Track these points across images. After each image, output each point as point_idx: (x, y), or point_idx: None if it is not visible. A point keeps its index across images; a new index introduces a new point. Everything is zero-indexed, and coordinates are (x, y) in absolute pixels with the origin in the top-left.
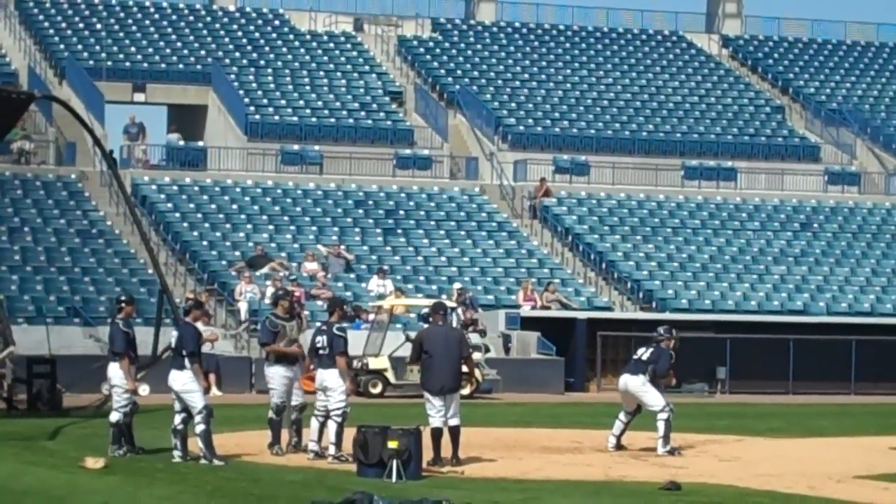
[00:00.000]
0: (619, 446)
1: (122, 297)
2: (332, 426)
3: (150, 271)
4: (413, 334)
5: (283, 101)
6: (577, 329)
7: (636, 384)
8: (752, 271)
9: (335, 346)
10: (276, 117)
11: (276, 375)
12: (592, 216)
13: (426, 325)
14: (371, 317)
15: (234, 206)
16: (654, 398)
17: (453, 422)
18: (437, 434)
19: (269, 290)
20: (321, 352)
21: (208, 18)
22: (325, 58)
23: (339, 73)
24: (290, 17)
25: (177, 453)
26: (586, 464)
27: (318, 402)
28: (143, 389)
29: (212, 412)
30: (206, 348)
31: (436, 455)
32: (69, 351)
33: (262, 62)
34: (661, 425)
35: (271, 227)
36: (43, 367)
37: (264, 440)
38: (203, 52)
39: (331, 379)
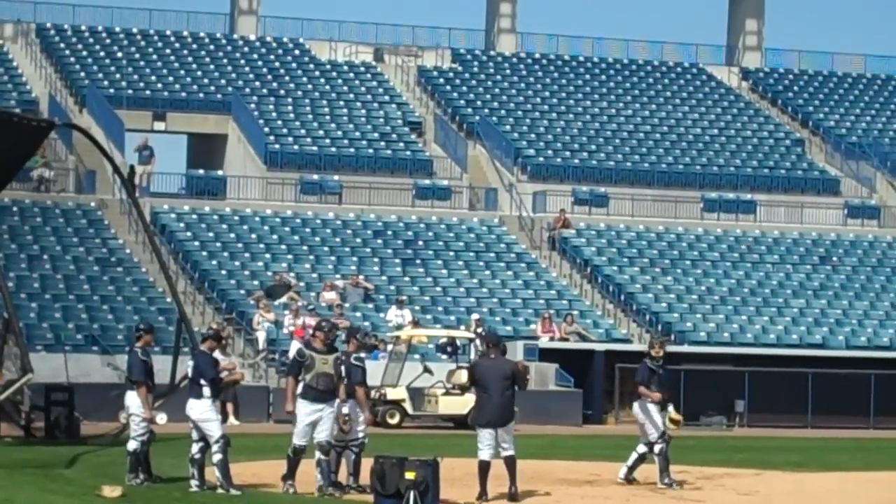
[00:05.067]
0: (629, 479)
1: (141, 326)
2: (349, 456)
3: (169, 300)
4: (431, 365)
5: (303, 131)
6: (596, 361)
7: (636, 410)
8: (770, 304)
9: (353, 377)
10: (296, 147)
11: (300, 412)
12: (611, 248)
13: (479, 357)
14: (389, 347)
15: (253, 236)
16: (648, 431)
17: (508, 452)
18: (484, 467)
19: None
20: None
21: (229, 48)
22: (345, 88)
23: (358, 103)
24: (310, 46)
25: (194, 482)
26: (604, 496)
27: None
28: (161, 418)
29: (229, 441)
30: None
31: (482, 489)
32: (87, 379)
33: (282, 92)
34: (658, 460)
35: (290, 256)
36: (61, 395)
37: (281, 469)
38: (223, 82)
39: (349, 409)
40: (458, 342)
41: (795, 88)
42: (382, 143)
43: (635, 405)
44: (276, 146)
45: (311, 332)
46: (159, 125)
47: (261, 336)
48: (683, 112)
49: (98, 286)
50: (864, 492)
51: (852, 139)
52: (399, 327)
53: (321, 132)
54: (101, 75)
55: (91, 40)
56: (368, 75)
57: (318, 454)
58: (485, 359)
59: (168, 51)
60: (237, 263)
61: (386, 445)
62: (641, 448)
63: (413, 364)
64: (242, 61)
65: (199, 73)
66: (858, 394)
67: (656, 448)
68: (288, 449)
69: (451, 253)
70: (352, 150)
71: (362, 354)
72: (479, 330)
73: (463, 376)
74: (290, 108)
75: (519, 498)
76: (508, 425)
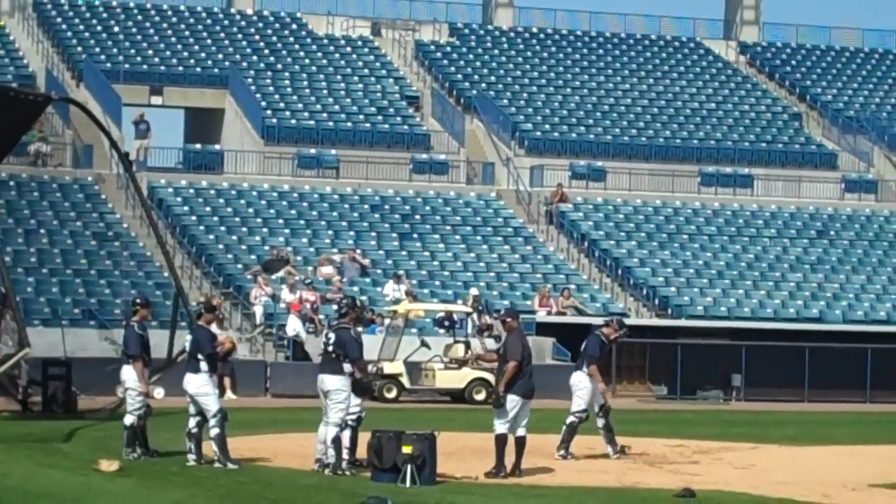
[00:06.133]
0: (617, 452)
1: (138, 300)
2: (346, 431)
3: (166, 274)
4: (428, 339)
5: (300, 105)
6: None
7: (574, 380)
8: (768, 278)
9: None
10: (293, 121)
11: (346, 388)
12: (608, 222)
13: (512, 332)
14: (386, 321)
15: (251, 210)
16: (576, 401)
17: (522, 432)
18: (502, 441)
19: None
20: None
21: (226, 22)
22: (343, 62)
23: (356, 78)
24: (307, 20)
25: (191, 456)
26: (600, 470)
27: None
28: (158, 393)
29: (226, 416)
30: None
31: (499, 464)
32: (84, 353)
33: (280, 66)
34: (564, 430)
35: (287, 230)
36: (58, 370)
37: (279, 443)
38: (220, 56)
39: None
40: (455, 316)
41: (793, 62)
42: (380, 118)
43: (579, 374)
44: (274, 120)
45: (340, 309)
46: (156, 100)
47: (258, 310)
48: (681, 86)
49: (95, 261)
50: (860, 465)
51: (850, 113)
52: (396, 301)
53: (318, 106)
54: (97, 50)
55: (88, 14)
56: (366, 49)
57: (335, 431)
58: (521, 333)
59: (165, 25)
60: (234, 238)
61: (383, 420)
62: (600, 421)
63: (410, 338)
64: (239, 35)
65: (197, 47)
66: (855, 368)
67: (569, 419)
68: (336, 431)
69: (449, 227)
70: (349, 124)
71: (360, 329)
72: (477, 305)
73: (460, 350)
74: (287, 82)
75: (520, 475)
76: (531, 400)
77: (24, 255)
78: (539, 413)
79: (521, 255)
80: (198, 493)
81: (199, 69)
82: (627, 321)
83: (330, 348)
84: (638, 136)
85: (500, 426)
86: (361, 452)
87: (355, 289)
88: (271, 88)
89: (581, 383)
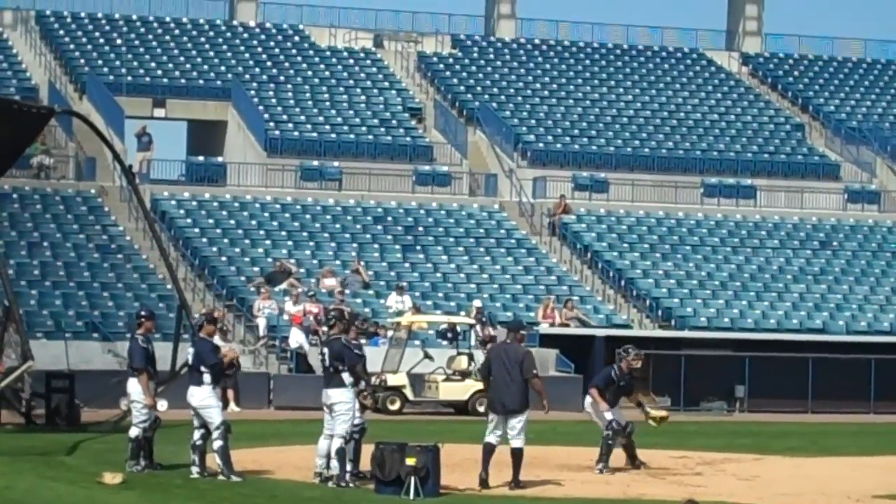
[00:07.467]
0: (634, 465)
1: (142, 313)
2: (351, 444)
3: (169, 287)
4: (431, 351)
5: (303, 117)
6: (596, 346)
7: (587, 405)
8: (771, 289)
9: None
10: (296, 133)
11: (351, 400)
12: (611, 233)
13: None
14: (389, 333)
15: (253, 222)
16: (600, 422)
17: (516, 443)
18: (487, 449)
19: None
20: (330, 368)
21: (228, 34)
22: (345, 74)
23: (358, 90)
24: (310, 32)
25: (195, 469)
26: (604, 482)
27: (328, 420)
28: (162, 405)
29: (230, 428)
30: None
31: (483, 473)
32: (88, 366)
33: (282, 78)
34: (602, 443)
35: (290, 242)
36: (61, 382)
37: (282, 456)
38: (223, 68)
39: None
40: (458, 328)
41: (795, 73)
42: (382, 130)
43: (588, 400)
44: (276, 133)
45: (329, 321)
46: (159, 112)
47: (261, 323)
48: (683, 97)
49: (98, 273)
50: (864, 476)
51: (852, 124)
52: (399, 313)
53: (321, 118)
54: (100, 62)
55: (90, 27)
56: (368, 61)
57: (340, 443)
58: (499, 344)
59: (168, 37)
60: (237, 250)
61: (386, 431)
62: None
63: (413, 350)
64: (242, 48)
65: (199, 59)
66: (859, 379)
67: (604, 433)
68: (349, 441)
69: (452, 239)
70: (352, 136)
71: (362, 341)
72: (480, 317)
73: (463, 362)
74: (289, 94)
75: (521, 488)
76: (519, 415)
77: (28, 268)
78: (542, 425)
79: (524, 267)
80: None
81: (201, 81)
82: (630, 332)
83: (326, 363)
84: (641, 147)
85: (488, 435)
86: (365, 464)
87: (358, 301)
88: (274, 100)
89: (590, 407)
